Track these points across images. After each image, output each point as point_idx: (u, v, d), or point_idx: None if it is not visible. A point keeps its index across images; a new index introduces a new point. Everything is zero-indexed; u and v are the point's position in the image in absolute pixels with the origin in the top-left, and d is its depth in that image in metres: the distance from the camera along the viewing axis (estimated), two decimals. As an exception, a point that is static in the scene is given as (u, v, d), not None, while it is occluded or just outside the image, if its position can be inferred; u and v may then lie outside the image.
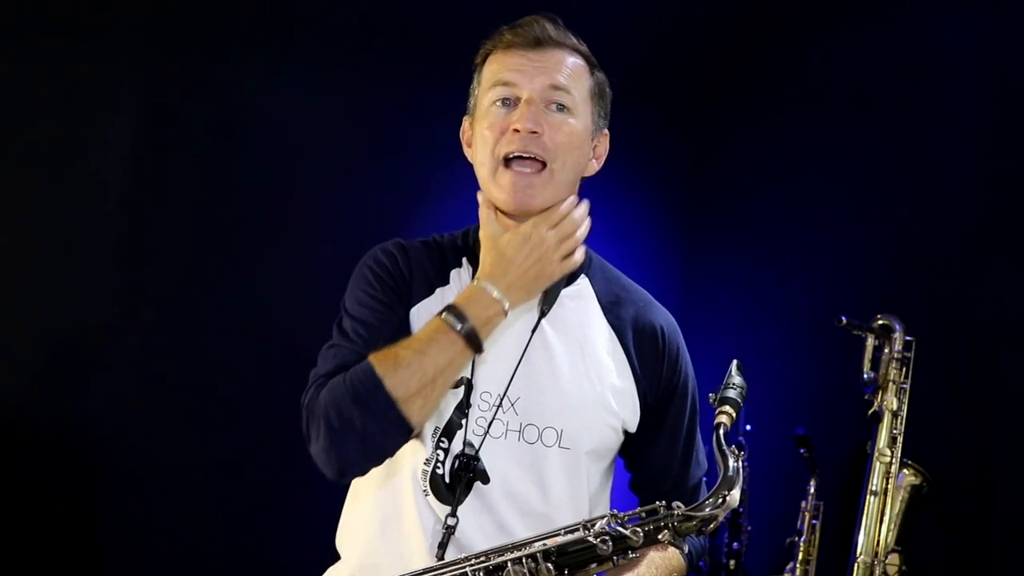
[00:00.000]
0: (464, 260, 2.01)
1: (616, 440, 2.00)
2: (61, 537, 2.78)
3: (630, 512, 1.80)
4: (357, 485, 2.01)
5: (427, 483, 1.93)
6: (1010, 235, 3.07)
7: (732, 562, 3.36)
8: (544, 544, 1.78)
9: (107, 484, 2.85)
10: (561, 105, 1.91)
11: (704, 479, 2.10)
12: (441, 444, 1.92)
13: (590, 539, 1.75)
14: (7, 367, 2.74)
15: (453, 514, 1.88)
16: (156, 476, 2.85)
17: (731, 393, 1.96)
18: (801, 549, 3.08)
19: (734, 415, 1.94)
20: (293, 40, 3.10)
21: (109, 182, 2.86)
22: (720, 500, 1.79)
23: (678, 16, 3.63)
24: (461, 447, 1.90)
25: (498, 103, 1.91)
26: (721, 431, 1.90)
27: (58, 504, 2.78)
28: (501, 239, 1.88)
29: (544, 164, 1.90)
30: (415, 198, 3.24)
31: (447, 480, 1.91)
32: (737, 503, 1.81)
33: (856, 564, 2.77)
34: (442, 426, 1.91)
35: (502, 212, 1.94)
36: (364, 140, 3.19)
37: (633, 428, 2.00)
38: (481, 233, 1.90)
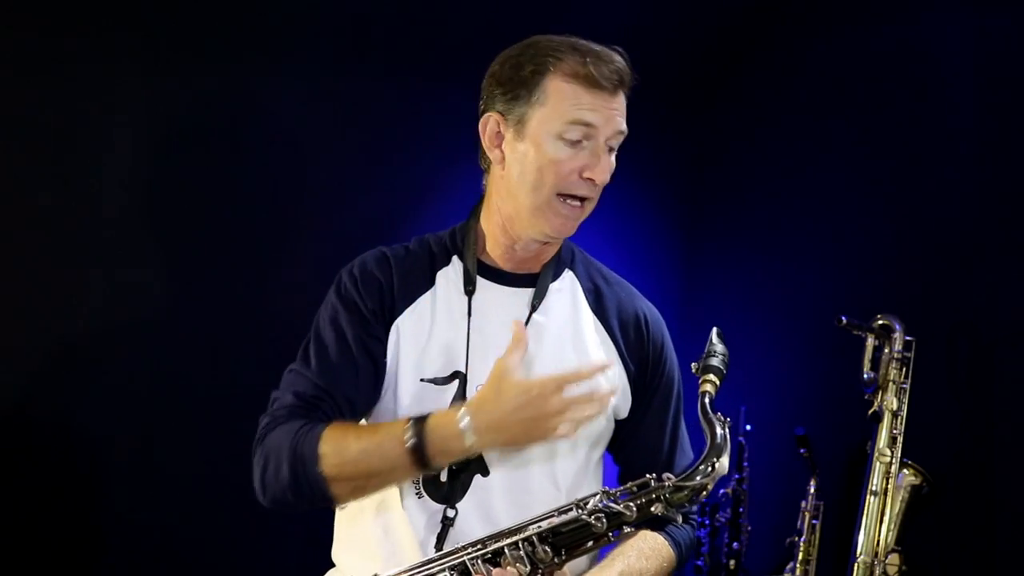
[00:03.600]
0: (454, 258, 2.02)
1: (609, 428, 2.03)
2: (61, 537, 2.78)
3: (621, 488, 1.82)
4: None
5: (419, 485, 1.94)
6: (1010, 235, 3.07)
7: (732, 562, 3.36)
8: (539, 527, 1.80)
9: (107, 485, 2.85)
10: (612, 147, 1.95)
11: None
12: None
13: (584, 517, 1.77)
14: (7, 367, 2.74)
15: (452, 507, 1.89)
16: (156, 477, 2.85)
17: (714, 361, 1.95)
18: (801, 549, 3.08)
19: (718, 383, 1.93)
20: (294, 40, 3.10)
21: (109, 182, 2.86)
22: (709, 468, 1.80)
23: (679, 16, 3.64)
24: None
25: (568, 141, 1.88)
26: (707, 399, 1.90)
27: (58, 504, 2.78)
28: (507, 379, 1.77)
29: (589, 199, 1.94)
30: (418, 197, 3.24)
31: (443, 477, 1.92)
32: (726, 470, 1.82)
33: (856, 564, 2.77)
34: None
35: (535, 238, 1.96)
36: (366, 139, 3.19)
37: (624, 415, 2.04)
38: (498, 362, 1.79)
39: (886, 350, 2.88)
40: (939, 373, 3.08)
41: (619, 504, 1.78)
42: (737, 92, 3.88)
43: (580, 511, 1.78)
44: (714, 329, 1.99)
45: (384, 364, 1.95)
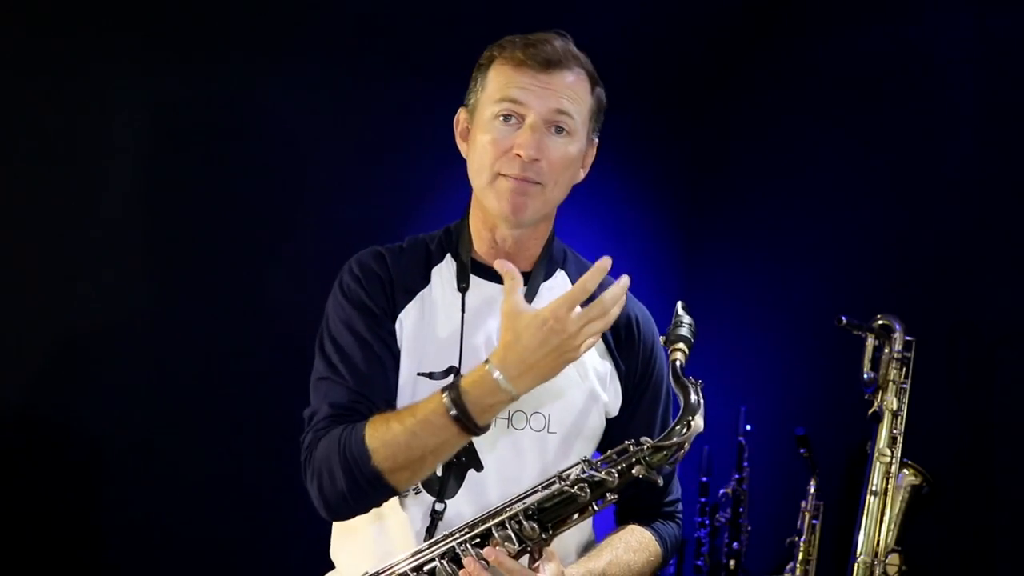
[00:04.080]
0: (447, 255, 2.06)
1: (601, 425, 2.05)
2: (61, 537, 2.78)
3: (602, 457, 1.83)
4: None
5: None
6: (1010, 235, 3.07)
7: (732, 562, 3.37)
8: (524, 503, 1.81)
9: (107, 484, 2.85)
10: (561, 128, 1.95)
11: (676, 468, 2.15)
12: None
13: (568, 489, 1.79)
14: (7, 367, 2.74)
15: (441, 500, 1.91)
16: (156, 477, 2.85)
17: (682, 331, 1.99)
18: (801, 549, 3.08)
19: (687, 351, 1.96)
20: (293, 40, 3.10)
21: (109, 182, 2.86)
22: (685, 428, 1.83)
23: (678, 15, 3.64)
24: None
25: (500, 118, 1.94)
26: (677, 365, 1.93)
27: (58, 504, 2.78)
28: (520, 319, 1.78)
29: (538, 183, 1.95)
30: (417, 197, 3.24)
31: (439, 472, 1.94)
32: (702, 428, 1.84)
33: (856, 564, 2.77)
34: None
35: (484, 226, 2.00)
36: (365, 139, 3.19)
37: (614, 413, 2.06)
38: (504, 306, 1.81)
39: (886, 350, 2.88)
40: (939, 373, 3.08)
41: (600, 472, 1.80)
42: (737, 92, 3.88)
43: (563, 483, 1.80)
44: (679, 303, 2.04)
45: (399, 357, 1.97)
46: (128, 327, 2.88)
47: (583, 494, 1.79)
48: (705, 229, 3.94)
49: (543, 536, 1.80)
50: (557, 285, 2.07)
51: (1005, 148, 3.12)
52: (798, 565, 3.07)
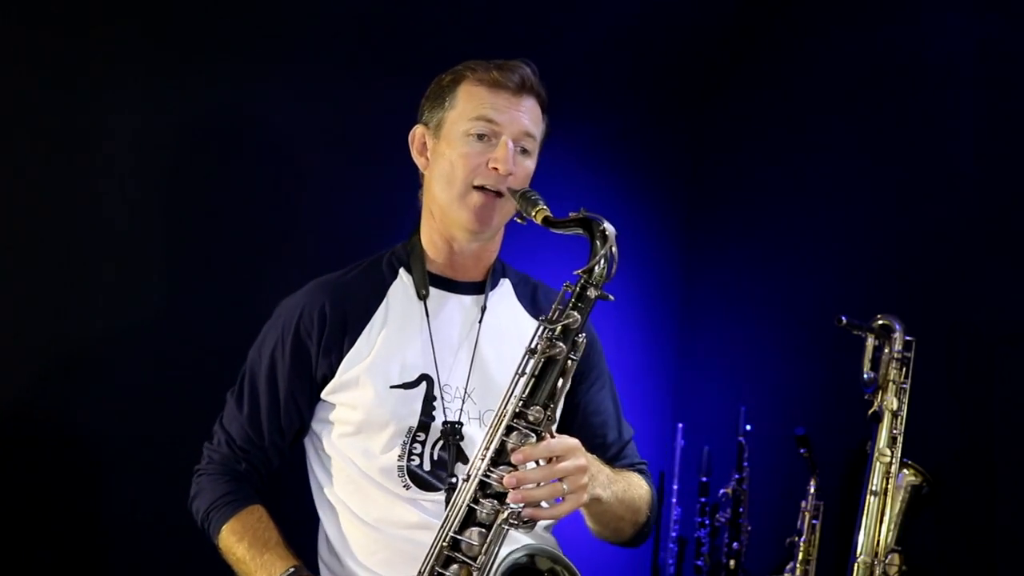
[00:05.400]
0: (400, 270, 2.19)
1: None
2: (61, 537, 2.78)
3: (552, 311, 1.92)
4: (327, 500, 2.17)
5: (407, 478, 2.07)
6: (1010, 235, 3.07)
7: (732, 562, 3.36)
8: (514, 397, 1.87)
9: (108, 485, 2.85)
10: (525, 148, 2.11)
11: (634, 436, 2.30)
12: (418, 438, 2.08)
13: (546, 354, 1.87)
14: (7, 367, 2.74)
15: (452, 475, 1.99)
16: (157, 478, 2.84)
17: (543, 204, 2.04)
18: (801, 549, 3.08)
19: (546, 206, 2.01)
20: (293, 41, 3.10)
21: (109, 183, 2.86)
22: (601, 238, 1.89)
23: (678, 15, 3.63)
24: (440, 428, 2.07)
25: (474, 135, 2.08)
26: (549, 213, 1.99)
27: (58, 504, 2.78)
28: None
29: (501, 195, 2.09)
30: (417, 197, 3.23)
31: (431, 463, 2.07)
32: (614, 229, 1.91)
33: (856, 564, 2.77)
34: (415, 425, 2.02)
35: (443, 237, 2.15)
36: (365, 141, 3.19)
37: (576, 397, 2.21)
38: None
39: (886, 350, 2.88)
40: (939, 373, 3.07)
41: (561, 319, 1.88)
42: (737, 92, 3.88)
43: (536, 355, 1.88)
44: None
45: (309, 414, 2.17)
46: (129, 328, 2.88)
47: (558, 349, 1.86)
48: (705, 229, 3.93)
49: (548, 414, 1.86)
50: (504, 291, 2.23)
51: (1005, 148, 3.11)
52: (798, 565, 3.07)
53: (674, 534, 3.51)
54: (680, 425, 3.56)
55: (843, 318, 2.88)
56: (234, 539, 2.10)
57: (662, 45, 3.67)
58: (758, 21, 3.78)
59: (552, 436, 1.87)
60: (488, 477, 1.83)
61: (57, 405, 2.79)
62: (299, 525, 2.24)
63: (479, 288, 2.18)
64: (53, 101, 2.78)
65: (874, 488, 2.80)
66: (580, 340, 1.89)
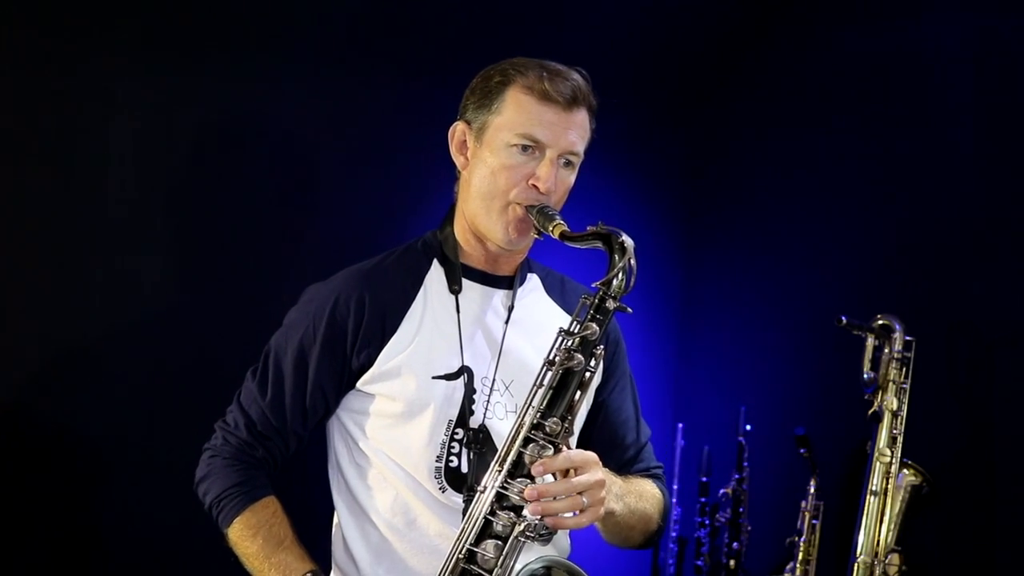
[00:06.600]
0: (434, 261, 2.14)
1: (587, 407, 2.15)
2: (61, 537, 2.78)
3: (571, 322, 1.91)
4: (352, 499, 2.11)
5: (443, 479, 2.03)
6: (1010, 235, 3.07)
7: (732, 562, 3.37)
8: (532, 409, 1.86)
9: (108, 485, 2.85)
10: (570, 162, 2.06)
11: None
12: (455, 436, 2.03)
13: (564, 366, 1.86)
14: (7, 368, 2.74)
15: (478, 482, 1.94)
16: (157, 477, 2.84)
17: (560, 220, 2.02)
18: (801, 549, 3.08)
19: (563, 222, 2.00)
20: (294, 40, 3.10)
21: (110, 182, 2.86)
22: (620, 250, 1.91)
23: (678, 15, 3.63)
24: (478, 425, 2.03)
25: (518, 147, 2.01)
26: (567, 228, 1.97)
27: (58, 504, 2.78)
28: None
29: None
30: (416, 198, 3.24)
31: (464, 468, 2.02)
32: (632, 240, 1.93)
33: (856, 564, 2.77)
34: (455, 417, 2.00)
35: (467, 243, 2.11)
36: (366, 139, 3.19)
37: (601, 395, 2.18)
38: None
39: (886, 350, 2.89)
40: (939, 373, 3.08)
41: (579, 331, 1.87)
42: (737, 92, 3.88)
43: (554, 366, 1.87)
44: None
45: (335, 403, 2.10)
46: (129, 327, 2.88)
47: (577, 361, 1.85)
48: (705, 229, 3.94)
49: (566, 426, 1.85)
50: (534, 286, 2.20)
51: (1005, 148, 3.12)
52: (798, 565, 3.07)
53: (674, 534, 3.51)
54: (680, 425, 3.56)
55: (843, 318, 2.88)
56: (248, 534, 2.05)
57: (662, 46, 3.67)
58: (759, 21, 3.78)
59: (569, 448, 1.86)
60: (505, 489, 1.82)
61: (57, 405, 2.78)
62: (305, 514, 2.21)
63: (509, 283, 2.14)
64: (53, 100, 2.78)
65: (874, 488, 2.80)
66: (599, 352, 1.88)
